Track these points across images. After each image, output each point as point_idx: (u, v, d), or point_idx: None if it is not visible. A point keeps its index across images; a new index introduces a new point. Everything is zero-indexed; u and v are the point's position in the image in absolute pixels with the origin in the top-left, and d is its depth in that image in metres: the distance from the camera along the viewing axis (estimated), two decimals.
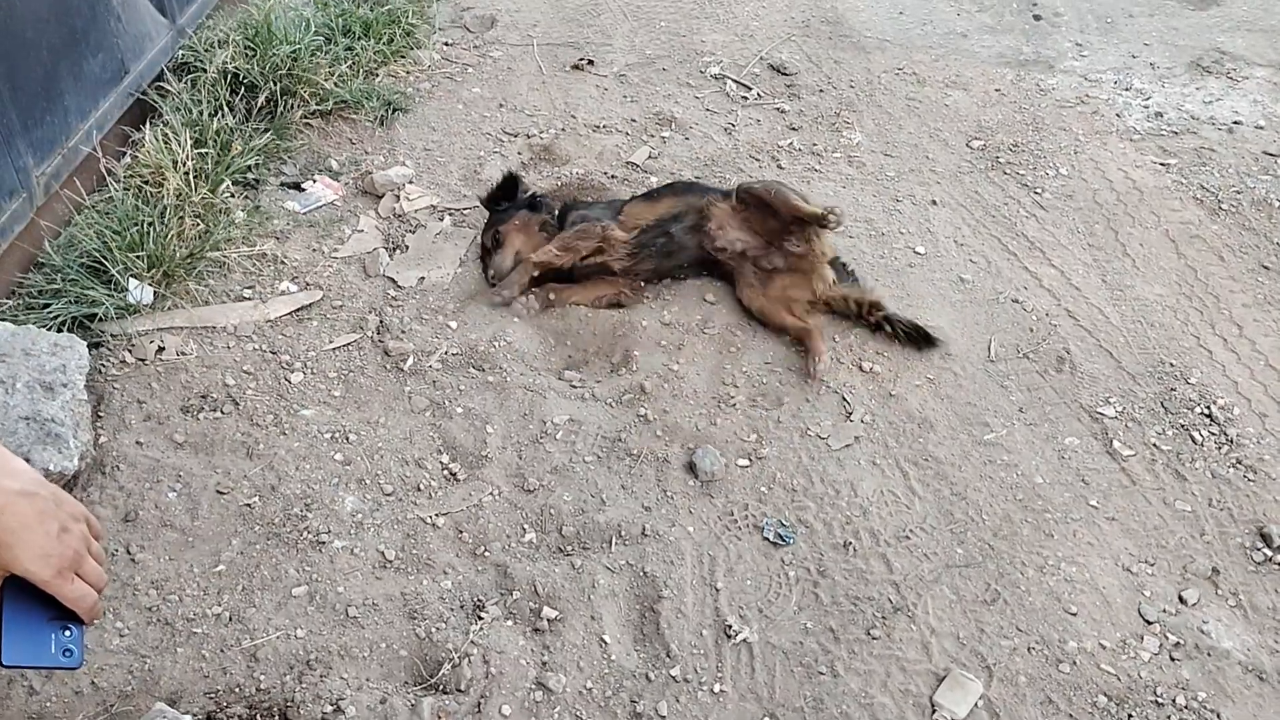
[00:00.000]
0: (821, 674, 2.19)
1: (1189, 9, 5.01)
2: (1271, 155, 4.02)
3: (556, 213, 3.37)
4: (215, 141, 3.37)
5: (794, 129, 4.20)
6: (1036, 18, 4.95)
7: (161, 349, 2.85)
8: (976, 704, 2.13)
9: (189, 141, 3.23)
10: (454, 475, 2.62)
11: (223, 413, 2.70)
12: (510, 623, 2.27)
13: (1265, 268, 3.47)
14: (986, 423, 2.85)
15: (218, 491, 2.50)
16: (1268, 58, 4.63)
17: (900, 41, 4.81)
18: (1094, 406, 2.90)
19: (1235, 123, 4.23)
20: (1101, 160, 4.01)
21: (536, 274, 3.18)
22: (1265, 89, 4.44)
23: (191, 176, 3.19)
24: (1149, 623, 2.31)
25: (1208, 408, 2.89)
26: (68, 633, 1.27)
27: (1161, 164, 3.99)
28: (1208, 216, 3.71)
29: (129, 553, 2.35)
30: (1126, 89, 4.46)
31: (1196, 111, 4.31)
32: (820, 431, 2.78)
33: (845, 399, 2.89)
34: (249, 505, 2.47)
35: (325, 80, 3.80)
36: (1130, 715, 2.11)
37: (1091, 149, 4.08)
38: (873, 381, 2.97)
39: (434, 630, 2.24)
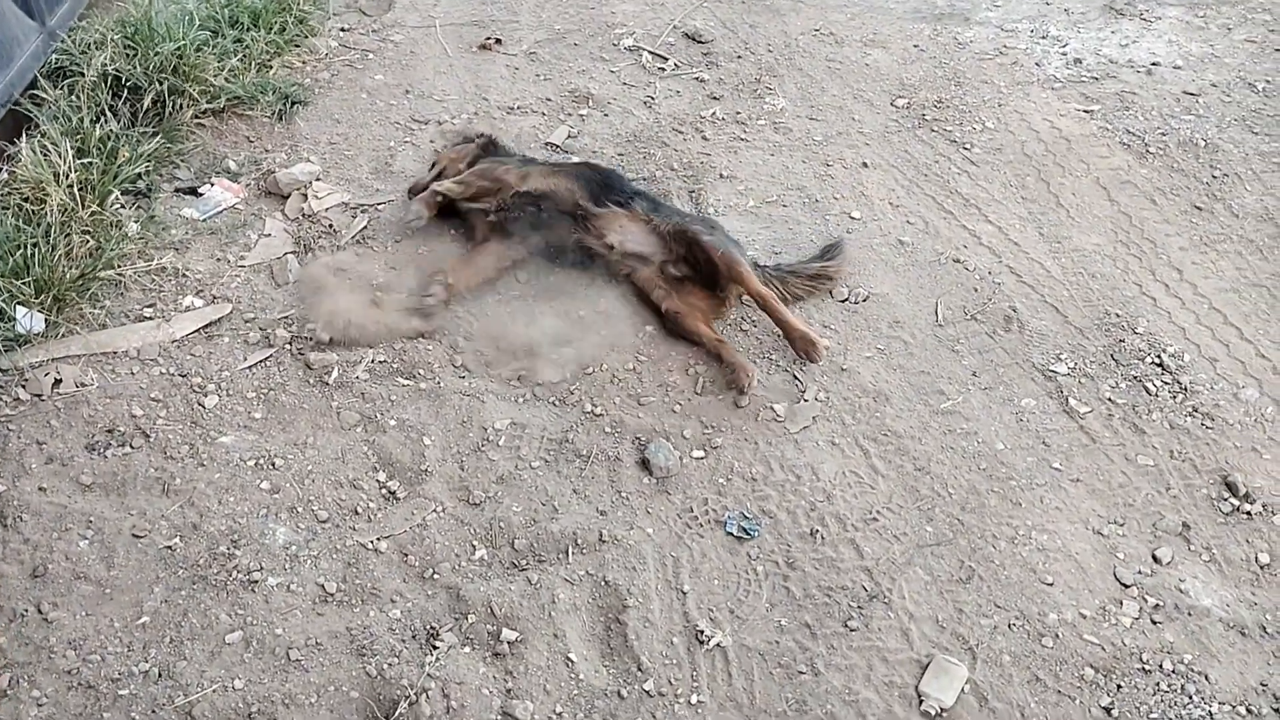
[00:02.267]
0: (802, 673, 2.09)
1: None
2: (1192, 95, 4.02)
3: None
4: (100, 150, 3.11)
5: (715, 98, 4.06)
6: None
7: (59, 381, 2.60)
8: (963, 690, 2.05)
9: (70, 152, 2.96)
10: (393, 494, 2.44)
11: (132, 447, 2.48)
12: (468, 649, 2.12)
13: (1197, 208, 3.46)
14: (941, 390, 2.77)
15: (134, 535, 2.28)
16: None
17: (814, 2, 4.70)
18: (1046, 365, 2.85)
19: (1153, 64, 4.22)
20: (1026, 111, 3.97)
21: (439, 200, 3.14)
22: (1179, 28, 4.45)
23: (76, 190, 2.92)
24: (1126, 586, 2.26)
25: (1158, 357, 2.85)
26: None
27: (1085, 111, 3.95)
28: (1136, 161, 3.68)
29: (40, 612, 2.14)
30: (1043, 37, 4.42)
31: (1114, 55, 4.29)
32: (775, 414, 2.67)
33: (796, 377, 2.79)
34: (170, 548, 2.27)
35: (215, 76, 3.54)
36: (1119, 686, 2.06)
37: (1015, 100, 4.03)
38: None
39: (386, 666, 2.08)
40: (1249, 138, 3.76)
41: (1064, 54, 4.30)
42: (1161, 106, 3.95)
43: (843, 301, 3.06)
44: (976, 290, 3.12)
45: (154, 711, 1.99)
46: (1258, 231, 3.33)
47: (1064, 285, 3.14)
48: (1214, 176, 3.57)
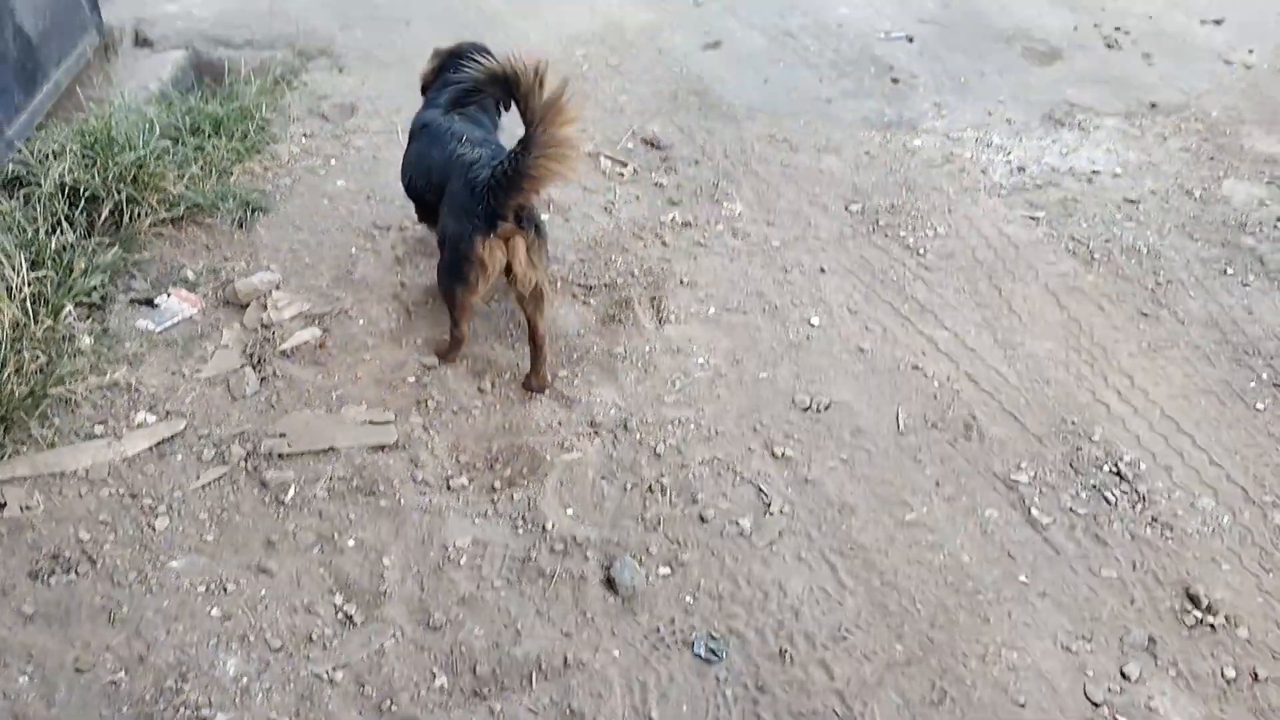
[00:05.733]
0: None
1: (1035, 65, 5.21)
2: (1132, 202, 4.16)
3: None
4: (55, 262, 3.07)
5: (674, 203, 4.13)
6: (895, 80, 5.06)
7: (3, 505, 2.52)
8: None
9: (24, 265, 2.92)
10: (350, 619, 2.37)
11: (78, 574, 2.39)
12: None
13: (1143, 314, 3.55)
14: (905, 501, 2.77)
15: (76, 670, 2.19)
16: (1113, 107, 4.84)
17: (769, 109, 4.83)
18: (1007, 474, 2.87)
19: (1094, 172, 4.37)
20: (975, 217, 4.08)
21: None
22: (1116, 137, 4.63)
23: (29, 304, 2.87)
24: (1096, 705, 2.25)
25: (1115, 465, 2.89)
26: None
27: (1031, 218, 4.07)
28: (1082, 267, 3.79)
29: None
30: (988, 145, 4.58)
31: (1056, 164, 4.44)
32: (740, 529, 2.65)
33: (762, 489, 2.78)
34: (114, 682, 2.17)
35: (174, 185, 3.53)
36: None
37: (964, 206, 4.15)
38: (787, 467, 2.87)
39: None
40: (1189, 244, 3.89)
41: (1008, 162, 4.44)
42: (1104, 213, 4.08)
43: (805, 410, 3.08)
44: (936, 397, 3.15)
45: None
46: (1204, 338, 3.43)
47: (1020, 392, 3.18)
48: (1158, 283, 3.68)
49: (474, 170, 2.81)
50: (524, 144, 2.63)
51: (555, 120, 2.58)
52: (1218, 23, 5.64)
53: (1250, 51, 5.34)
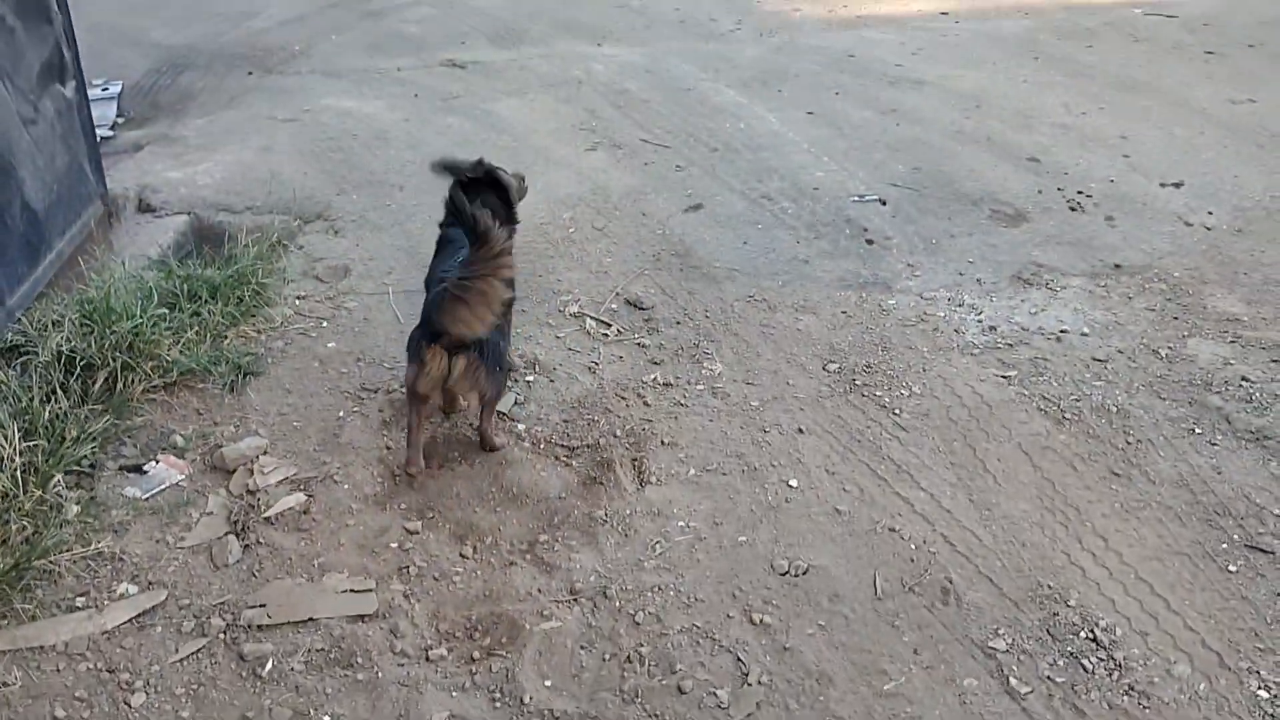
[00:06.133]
0: None
1: (1002, 227, 5.45)
2: (1100, 361, 4.29)
3: None
4: (47, 430, 3.14)
5: (656, 363, 4.25)
6: (869, 242, 5.27)
7: None
8: None
9: (17, 435, 2.99)
10: None
11: None
12: None
13: (1115, 474, 3.63)
14: (884, 670, 2.78)
15: None
16: (1079, 268, 5.04)
17: (748, 270, 5.02)
18: (985, 641, 2.88)
19: (1062, 331, 4.52)
20: (949, 376, 4.19)
21: None
22: (1083, 297, 4.80)
23: (19, 474, 2.93)
24: None
25: (1091, 631, 2.91)
26: None
27: (1003, 377, 4.19)
28: (1054, 426, 3.88)
29: None
30: (960, 305, 4.74)
31: (1026, 323, 4.60)
32: (718, 700, 2.64)
33: (740, 658, 2.78)
34: None
35: (169, 351, 3.64)
36: None
37: (938, 366, 4.27)
38: (765, 634, 2.89)
39: None
40: (1158, 403, 4.00)
41: (980, 321, 4.60)
42: (1073, 373, 4.20)
43: (784, 575, 3.11)
44: (913, 561, 3.19)
45: None
46: (1175, 498, 3.49)
47: (996, 555, 3.22)
48: (1128, 442, 3.77)
49: (440, 285, 3.25)
50: (458, 275, 3.13)
51: (482, 270, 3.07)
52: (1177, 185, 5.92)
53: (1209, 213, 5.59)
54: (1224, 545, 3.28)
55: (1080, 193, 5.80)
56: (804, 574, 3.11)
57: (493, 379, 3.36)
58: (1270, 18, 9.20)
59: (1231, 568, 3.19)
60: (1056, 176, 6.00)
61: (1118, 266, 5.04)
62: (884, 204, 5.67)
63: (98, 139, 4.91)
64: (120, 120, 6.75)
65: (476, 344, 3.20)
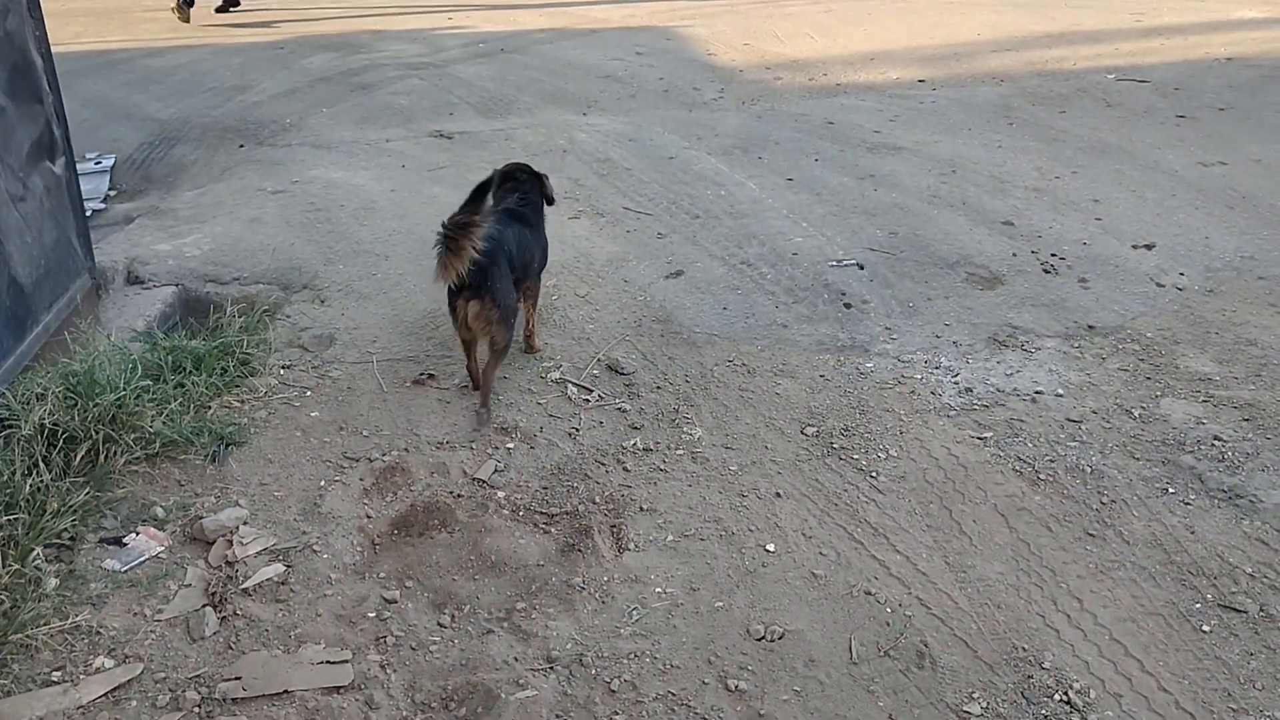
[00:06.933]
0: None
1: (978, 289, 5.54)
2: (1074, 422, 4.35)
3: None
4: (28, 504, 3.16)
5: (636, 428, 4.29)
6: (847, 305, 5.36)
7: None
8: None
9: None
10: None
11: None
12: None
13: (1090, 535, 3.66)
14: None
15: None
16: (1053, 329, 5.12)
17: (727, 335, 5.09)
18: (960, 705, 2.89)
19: (1037, 392, 4.58)
20: (925, 439, 4.24)
21: None
22: (1057, 358, 4.87)
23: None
24: None
25: (1065, 694, 2.92)
26: None
27: (979, 438, 4.24)
28: (1029, 488, 3.92)
29: None
30: (937, 367, 4.81)
31: (1001, 384, 4.66)
32: None
33: None
34: None
35: (152, 423, 3.68)
36: None
37: (915, 428, 4.32)
38: (741, 700, 2.89)
39: None
40: (1131, 463, 4.05)
41: (956, 383, 4.66)
42: (1048, 433, 4.26)
43: (759, 640, 3.12)
44: (888, 624, 3.21)
45: None
46: (1149, 558, 3.52)
47: (972, 617, 3.24)
48: (1102, 503, 3.81)
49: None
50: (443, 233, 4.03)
51: (462, 235, 3.97)
52: (1149, 247, 6.04)
53: (1181, 274, 5.70)
54: (1197, 605, 3.31)
55: (1054, 255, 5.91)
56: (780, 639, 3.13)
57: (501, 326, 4.26)
58: (1239, 82, 9.45)
59: (1205, 628, 3.21)
60: (1030, 239, 6.12)
61: (1091, 328, 5.12)
62: (861, 268, 5.77)
63: (87, 213, 5.00)
64: (112, 193, 6.86)
65: (489, 295, 4.14)
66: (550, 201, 4.90)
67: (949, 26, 11.87)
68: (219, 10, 12.64)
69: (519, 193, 4.70)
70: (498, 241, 4.23)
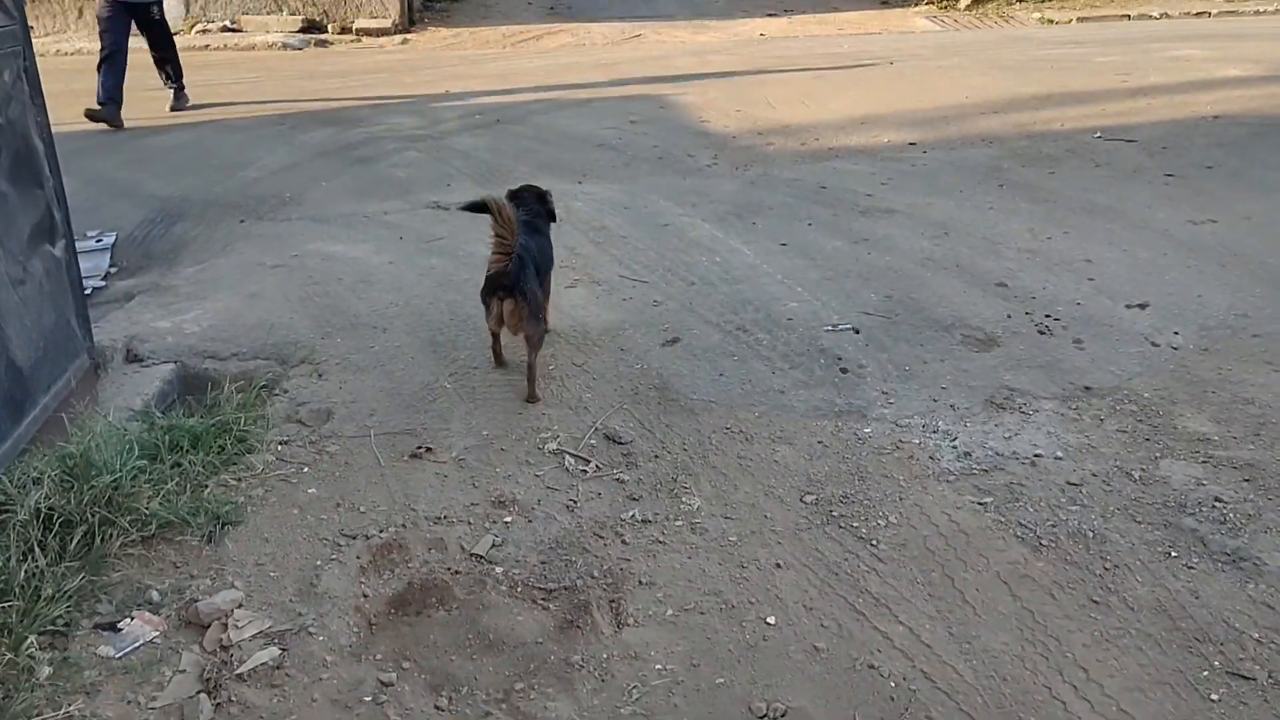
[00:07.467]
0: None
1: (973, 352, 5.56)
2: (1075, 485, 4.33)
3: None
4: (23, 590, 3.14)
5: (634, 499, 4.28)
6: (843, 370, 5.38)
7: None
8: None
9: None
10: None
11: None
12: None
13: (1094, 601, 3.62)
14: None
15: None
16: (1050, 390, 5.13)
17: (724, 402, 5.10)
18: None
19: (1036, 455, 4.57)
20: (925, 505, 4.22)
21: None
22: (1056, 420, 4.87)
23: None
24: None
25: None
26: None
27: (979, 504, 4.22)
28: (1031, 554, 3.89)
29: None
30: (934, 431, 4.80)
31: (1000, 448, 4.65)
32: None
33: None
34: None
35: (148, 504, 3.67)
36: None
37: (914, 494, 4.30)
38: None
39: None
40: (1133, 527, 4.02)
41: (954, 447, 4.65)
42: (1049, 497, 4.24)
43: (761, 718, 3.08)
44: (893, 700, 3.16)
45: None
46: (1154, 625, 3.48)
47: (977, 691, 3.20)
48: (1105, 568, 3.78)
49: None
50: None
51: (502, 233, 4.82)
52: (1143, 306, 6.07)
53: (1176, 333, 5.72)
54: (1205, 673, 3.27)
55: (1048, 316, 5.94)
56: (782, 716, 3.08)
57: (532, 322, 4.85)
58: (1226, 140, 9.58)
59: (1214, 696, 3.17)
60: (1024, 300, 6.16)
61: (1088, 389, 5.13)
62: (857, 332, 5.79)
63: (88, 291, 5.04)
64: (113, 270, 6.93)
65: (520, 295, 4.72)
66: (553, 218, 5.52)
67: (937, 90, 12.08)
68: (91, 114, 10.58)
69: (527, 208, 5.29)
70: (525, 249, 4.88)
